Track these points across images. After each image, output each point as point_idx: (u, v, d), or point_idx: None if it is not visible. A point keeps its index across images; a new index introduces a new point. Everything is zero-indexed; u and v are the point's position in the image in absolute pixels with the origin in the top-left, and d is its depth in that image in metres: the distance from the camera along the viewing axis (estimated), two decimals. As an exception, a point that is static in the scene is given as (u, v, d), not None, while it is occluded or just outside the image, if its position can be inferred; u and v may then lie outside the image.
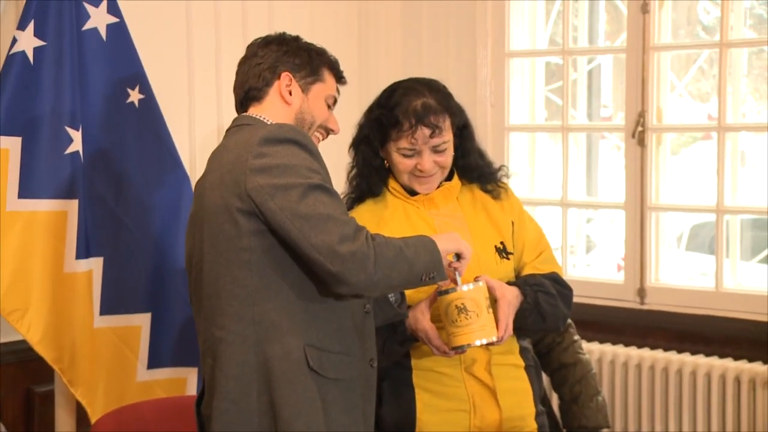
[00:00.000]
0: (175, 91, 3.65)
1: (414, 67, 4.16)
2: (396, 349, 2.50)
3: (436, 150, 2.52)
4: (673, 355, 3.80)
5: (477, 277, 2.39)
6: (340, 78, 2.41)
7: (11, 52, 2.91)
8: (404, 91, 2.54)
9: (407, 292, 2.43)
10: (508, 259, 2.59)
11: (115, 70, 3.09)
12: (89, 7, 3.03)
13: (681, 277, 4.14)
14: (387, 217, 2.57)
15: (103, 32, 3.06)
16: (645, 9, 3.88)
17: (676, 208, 4.08)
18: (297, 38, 2.38)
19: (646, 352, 3.85)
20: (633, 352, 3.87)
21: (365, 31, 4.40)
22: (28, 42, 2.92)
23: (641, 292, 3.95)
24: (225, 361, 2.18)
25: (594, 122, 5.25)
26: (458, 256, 2.31)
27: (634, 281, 3.97)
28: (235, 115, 2.38)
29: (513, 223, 2.62)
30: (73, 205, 2.99)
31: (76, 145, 2.98)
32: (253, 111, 2.33)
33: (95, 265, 3.06)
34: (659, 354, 3.83)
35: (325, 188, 2.13)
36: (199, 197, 2.25)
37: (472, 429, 2.52)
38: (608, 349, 3.92)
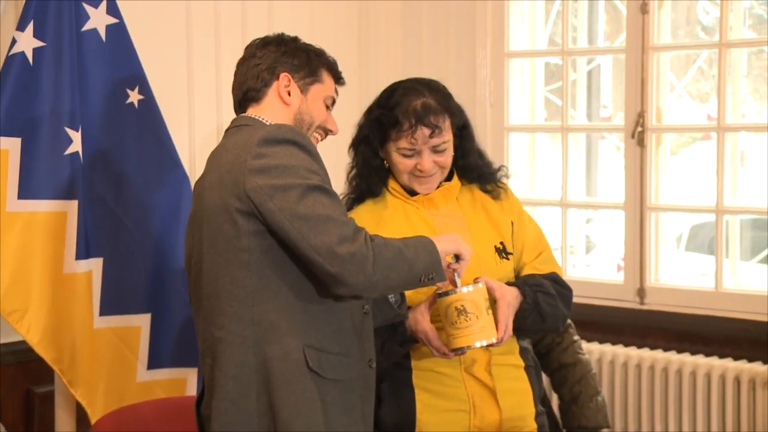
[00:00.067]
0: (174, 92, 3.65)
1: (414, 67, 4.16)
2: (396, 350, 2.50)
3: (435, 150, 2.52)
4: (672, 355, 3.80)
5: (476, 279, 2.39)
6: (338, 78, 2.42)
7: (11, 53, 2.91)
8: (404, 91, 2.54)
9: (407, 293, 2.43)
10: (508, 259, 2.59)
11: (114, 70, 3.09)
12: (89, 8, 3.03)
13: (681, 277, 4.14)
14: (387, 218, 2.57)
15: (102, 33, 3.06)
16: (644, 9, 3.88)
17: (676, 208, 4.08)
18: (295, 39, 2.39)
19: (646, 353, 3.85)
20: (633, 352, 3.87)
21: (365, 32, 4.40)
22: (27, 43, 2.92)
23: (641, 293, 3.95)
24: (224, 362, 2.18)
25: (593, 122, 5.26)
26: (457, 257, 2.31)
27: (633, 281, 3.97)
28: (234, 115, 2.38)
29: (512, 223, 2.63)
30: (72, 206, 2.99)
31: (76, 145, 2.98)
32: (252, 111, 2.33)
33: (95, 265, 3.06)
34: (659, 354, 3.83)
35: (324, 189, 2.13)
36: (198, 197, 2.25)
37: (471, 429, 2.52)
38: (608, 349, 3.92)
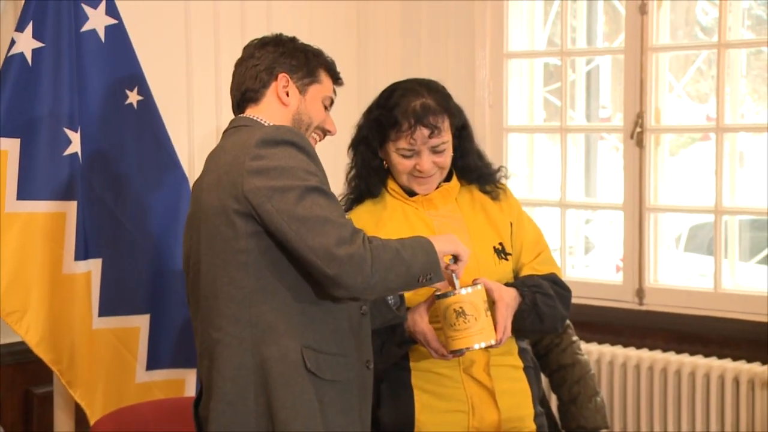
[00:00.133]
0: (173, 93, 3.65)
1: (413, 67, 4.16)
2: (394, 351, 2.50)
3: (435, 150, 2.52)
4: (671, 356, 3.80)
5: (475, 280, 2.39)
6: (336, 79, 2.41)
7: (10, 54, 2.91)
8: (403, 91, 2.54)
9: (405, 294, 2.43)
10: (507, 260, 2.59)
11: (113, 71, 3.09)
12: (88, 9, 3.03)
13: (680, 277, 4.14)
14: (386, 218, 2.57)
15: (101, 34, 3.06)
16: (643, 10, 3.88)
17: (675, 208, 4.08)
18: (294, 39, 2.38)
19: (645, 353, 3.85)
20: (632, 352, 3.87)
21: (364, 32, 4.40)
22: (26, 43, 2.91)
23: (640, 293, 3.95)
24: (222, 363, 2.18)
25: (592, 123, 5.25)
26: (455, 258, 2.30)
27: (632, 282, 3.97)
28: (233, 116, 2.38)
29: (512, 223, 2.63)
30: (71, 207, 2.99)
31: (75, 146, 2.98)
32: (250, 112, 2.33)
33: (94, 266, 3.06)
34: (658, 355, 3.83)
35: (322, 190, 2.13)
36: (197, 198, 2.25)
37: (470, 430, 2.52)
38: (607, 349, 3.92)
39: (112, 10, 3.08)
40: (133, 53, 3.13)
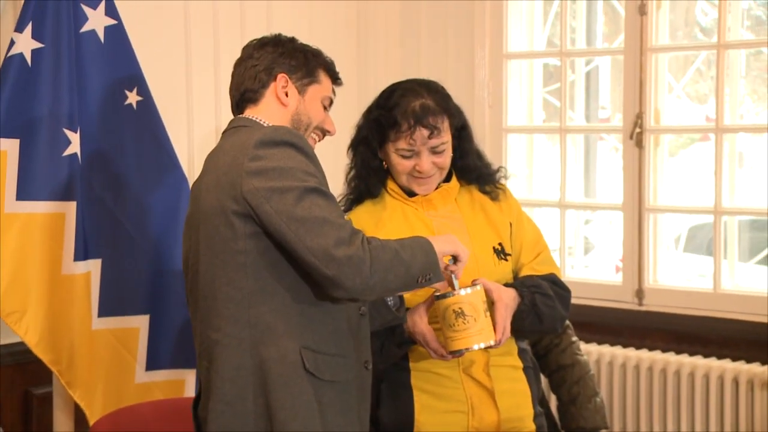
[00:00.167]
0: (173, 93, 3.65)
1: (412, 68, 4.17)
2: (394, 351, 2.50)
3: (434, 151, 2.52)
4: (671, 356, 3.80)
5: (474, 281, 2.39)
6: (335, 79, 2.41)
7: (9, 54, 2.91)
8: (403, 92, 2.54)
9: (405, 295, 2.43)
10: (506, 260, 2.59)
11: (113, 71, 3.09)
12: (87, 9, 3.03)
13: (679, 278, 4.14)
14: (385, 219, 2.57)
15: (101, 34, 3.06)
16: (643, 10, 3.88)
17: (674, 209, 4.08)
18: (293, 39, 2.38)
19: (645, 353, 3.85)
20: (631, 353, 3.87)
21: (364, 32, 4.40)
22: (26, 44, 2.91)
23: (639, 294, 3.95)
24: (221, 364, 2.18)
25: (592, 124, 5.26)
26: (455, 259, 2.30)
27: (632, 282, 3.97)
28: (232, 116, 2.38)
29: (511, 224, 2.63)
30: (71, 207, 2.98)
31: (74, 147, 2.98)
32: (249, 113, 2.33)
33: (93, 266, 3.06)
34: (657, 355, 3.83)
35: (321, 191, 2.13)
36: (196, 199, 2.25)
37: (470, 430, 2.52)
38: (606, 350, 3.92)
39: (111, 11, 3.08)
40: (132, 54, 3.13)
